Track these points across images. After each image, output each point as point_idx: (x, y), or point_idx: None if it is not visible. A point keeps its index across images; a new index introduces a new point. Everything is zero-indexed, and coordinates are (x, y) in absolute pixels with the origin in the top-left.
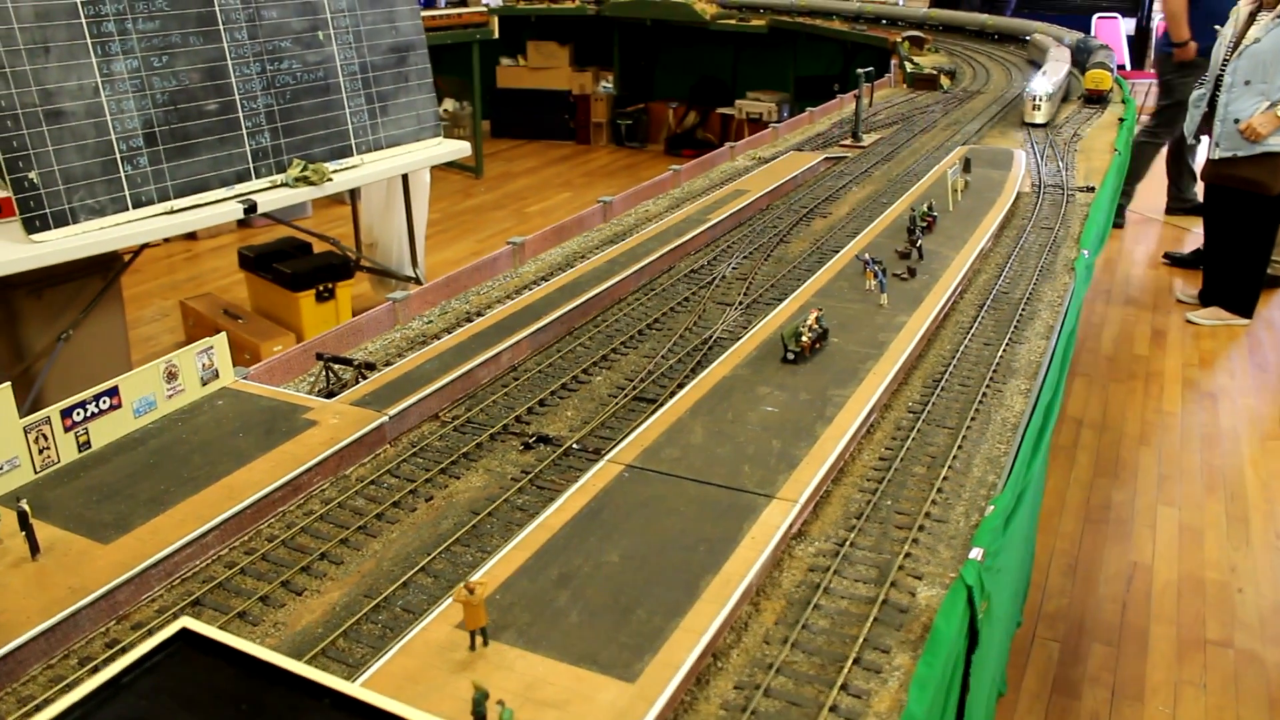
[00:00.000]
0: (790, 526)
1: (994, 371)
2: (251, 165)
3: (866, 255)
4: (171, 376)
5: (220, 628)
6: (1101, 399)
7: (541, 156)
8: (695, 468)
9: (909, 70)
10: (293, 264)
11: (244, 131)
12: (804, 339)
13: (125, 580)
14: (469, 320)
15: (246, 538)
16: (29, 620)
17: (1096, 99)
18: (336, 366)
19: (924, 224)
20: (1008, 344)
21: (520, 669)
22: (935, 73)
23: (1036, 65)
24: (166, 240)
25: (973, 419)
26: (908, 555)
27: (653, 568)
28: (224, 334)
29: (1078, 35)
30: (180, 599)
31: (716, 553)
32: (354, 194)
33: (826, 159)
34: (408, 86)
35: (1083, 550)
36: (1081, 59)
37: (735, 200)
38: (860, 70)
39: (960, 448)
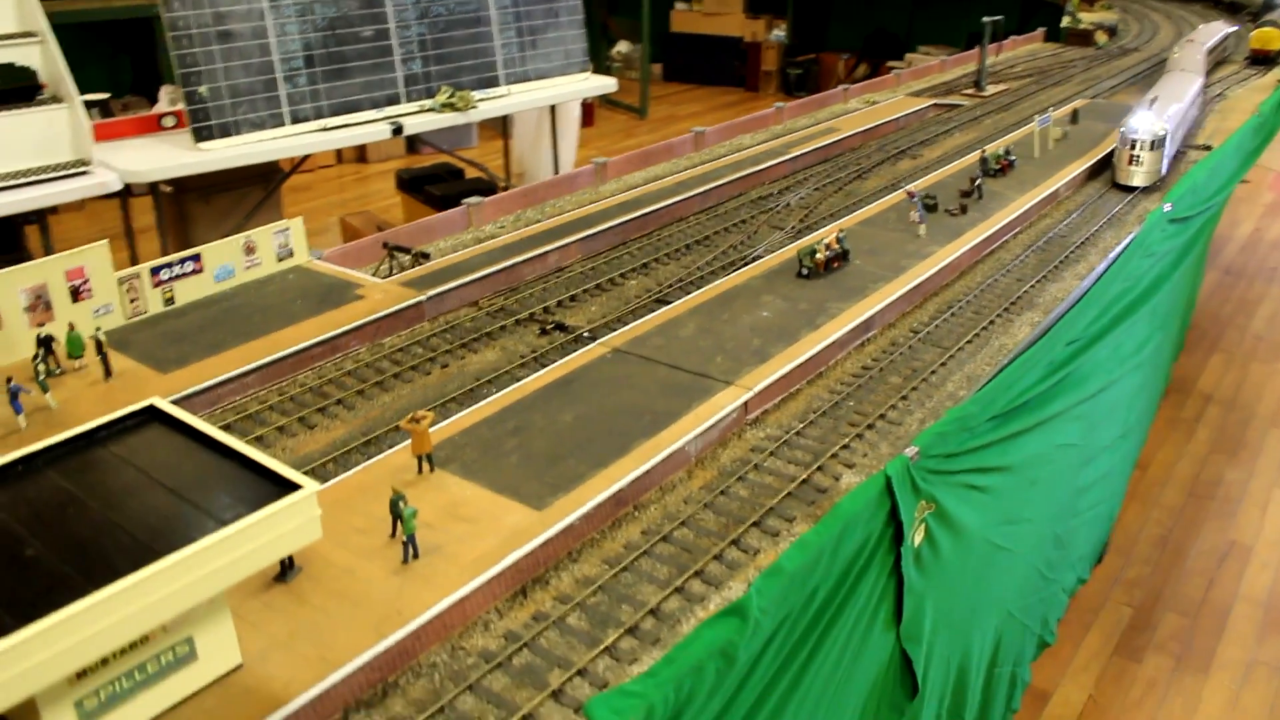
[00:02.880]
0: (737, 410)
1: (1012, 303)
2: (402, 90)
3: (912, 188)
4: (250, 250)
5: None
6: (1238, 377)
7: (708, 102)
8: (672, 355)
9: (1063, 25)
10: (443, 187)
11: (396, 58)
12: (818, 256)
13: (172, 400)
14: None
15: (283, 382)
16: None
17: (1263, 59)
18: (398, 253)
19: (997, 167)
20: (1039, 281)
21: (453, 491)
22: (1091, 28)
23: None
24: (340, 161)
25: (969, 342)
26: (846, 447)
27: (597, 429)
28: (300, 218)
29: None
30: (214, 421)
31: (658, 423)
32: (506, 124)
33: (936, 105)
34: (558, 22)
35: (1180, 523)
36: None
37: (823, 137)
38: (986, 20)
39: (944, 364)
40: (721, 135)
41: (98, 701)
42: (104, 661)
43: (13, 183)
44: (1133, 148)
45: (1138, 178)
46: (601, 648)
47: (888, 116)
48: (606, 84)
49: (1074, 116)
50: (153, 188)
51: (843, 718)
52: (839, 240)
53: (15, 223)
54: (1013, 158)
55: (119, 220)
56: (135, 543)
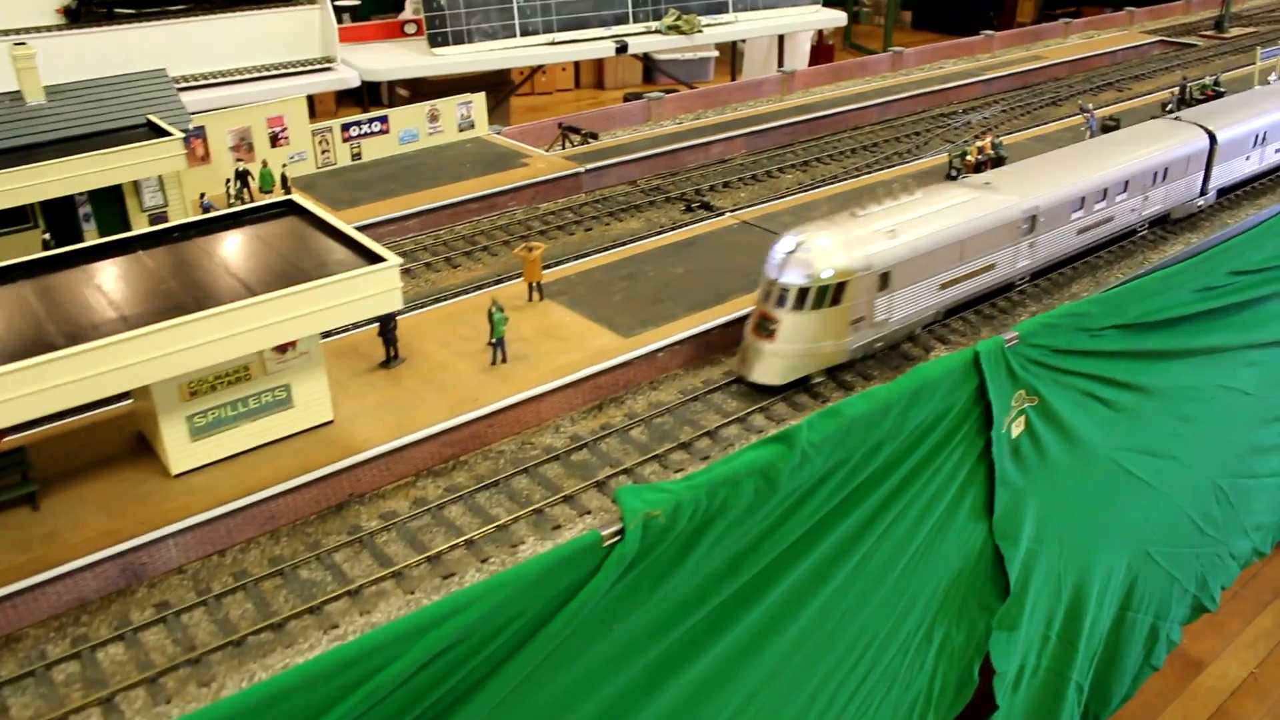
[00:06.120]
0: None
1: (1176, 221)
2: (630, 10)
3: (1089, 105)
4: (433, 119)
5: None
6: None
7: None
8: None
9: None
10: None
11: None
12: (968, 158)
13: None
14: None
15: (440, 230)
16: None
17: None
18: (570, 133)
19: (1200, 97)
20: (1214, 205)
21: (554, 316)
22: None
23: None
24: (578, 86)
25: (1109, 250)
26: (944, 324)
27: (702, 282)
28: (482, 94)
29: None
30: None
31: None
32: (737, 58)
33: (1164, 43)
34: None
35: None
36: None
37: (1025, 64)
38: None
39: (1074, 268)
40: (921, 57)
41: (205, 421)
42: (212, 387)
43: (266, 74)
44: (766, 298)
45: (762, 367)
46: (651, 454)
47: (1103, 50)
48: (836, 17)
49: None
50: (389, 88)
51: (919, 593)
52: (994, 146)
53: None
54: (1221, 89)
55: None
56: (245, 288)
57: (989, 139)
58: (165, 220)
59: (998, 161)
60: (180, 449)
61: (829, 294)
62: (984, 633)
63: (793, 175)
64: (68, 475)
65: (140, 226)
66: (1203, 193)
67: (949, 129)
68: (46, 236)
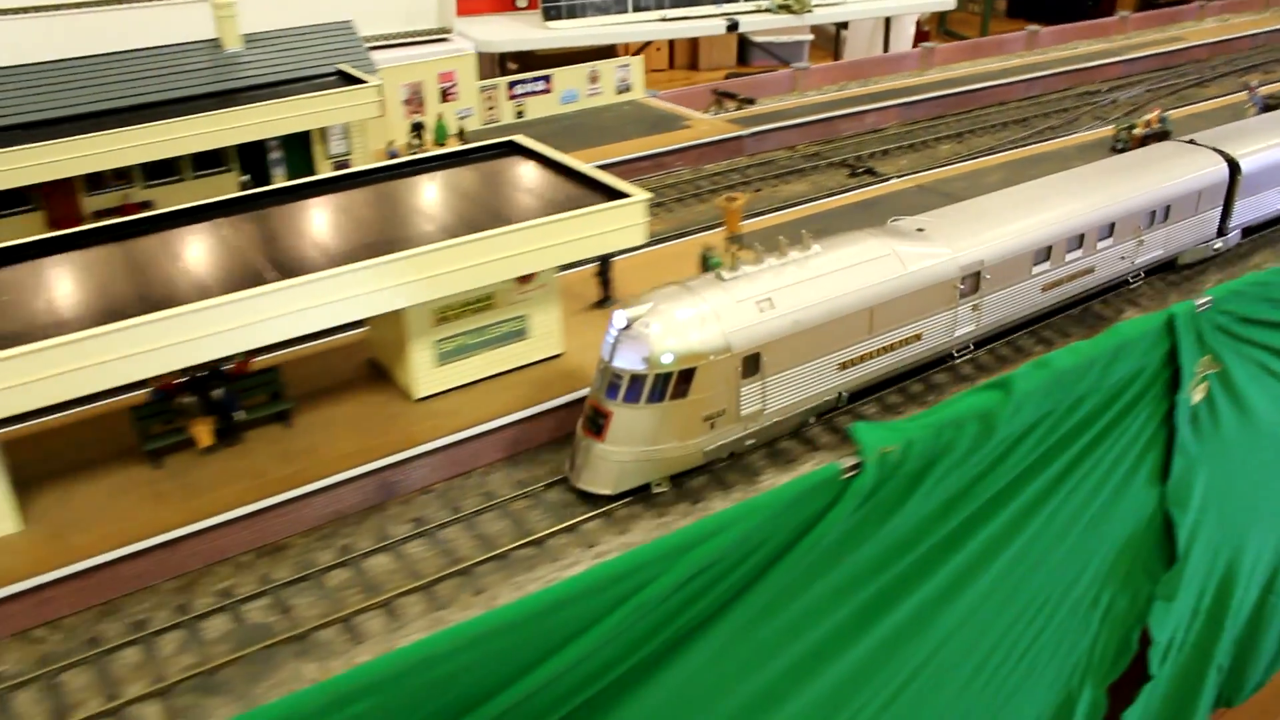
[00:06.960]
0: None
1: (1183, 269)
2: None
3: (1254, 83)
4: (593, 80)
5: None
6: None
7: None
8: (973, 194)
9: None
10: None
11: None
12: (1135, 131)
13: None
14: None
15: None
16: None
17: None
18: (725, 99)
19: None
20: None
21: None
22: None
23: None
24: (671, 67)
25: None
26: (1135, 288)
27: None
28: (641, 56)
29: None
30: None
31: None
32: (839, 44)
33: None
34: None
35: None
36: None
37: (1166, 45)
38: None
39: (1251, 241)
40: (1056, 37)
41: (450, 347)
42: (458, 314)
43: (384, 43)
44: (599, 383)
45: (591, 472)
46: (873, 397)
47: (1243, 33)
48: (944, 0)
49: None
50: (500, 60)
51: (1093, 555)
52: (1161, 120)
53: None
54: None
55: None
56: (493, 218)
57: (1157, 112)
58: (348, 166)
59: (1162, 136)
60: (426, 373)
61: (670, 383)
62: (1145, 601)
63: (949, 146)
64: (311, 397)
65: (325, 173)
66: (1221, 233)
67: (1097, 106)
68: (245, 179)
